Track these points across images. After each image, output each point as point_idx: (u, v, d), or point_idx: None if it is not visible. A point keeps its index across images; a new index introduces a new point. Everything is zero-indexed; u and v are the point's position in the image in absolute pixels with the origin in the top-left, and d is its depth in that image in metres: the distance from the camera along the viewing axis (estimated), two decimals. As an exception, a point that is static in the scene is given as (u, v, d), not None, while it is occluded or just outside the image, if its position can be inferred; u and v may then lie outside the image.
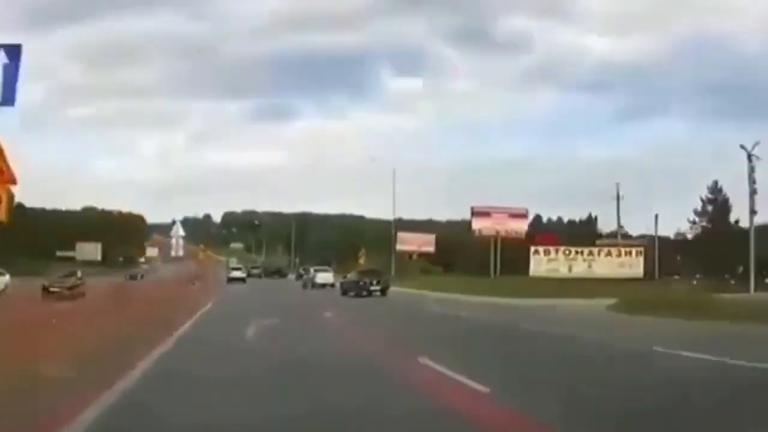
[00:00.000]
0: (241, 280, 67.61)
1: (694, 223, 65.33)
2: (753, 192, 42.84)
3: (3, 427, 6.66)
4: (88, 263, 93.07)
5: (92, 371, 9.54)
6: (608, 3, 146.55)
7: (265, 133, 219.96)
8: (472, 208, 62.75)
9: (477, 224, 62.71)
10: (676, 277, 65.90)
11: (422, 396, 8.41)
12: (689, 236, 69.93)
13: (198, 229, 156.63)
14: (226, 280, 66.01)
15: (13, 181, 13.40)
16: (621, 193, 58.59)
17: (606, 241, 58.57)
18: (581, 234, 75.56)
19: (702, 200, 64.88)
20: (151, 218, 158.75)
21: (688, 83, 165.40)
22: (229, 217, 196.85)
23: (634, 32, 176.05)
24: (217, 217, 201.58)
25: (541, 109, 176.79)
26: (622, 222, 73.73)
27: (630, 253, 53.37)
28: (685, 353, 12.32)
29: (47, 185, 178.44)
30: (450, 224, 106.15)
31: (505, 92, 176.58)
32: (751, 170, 42.75)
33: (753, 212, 43.42)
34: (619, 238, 57.68)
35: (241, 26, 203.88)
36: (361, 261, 66.49)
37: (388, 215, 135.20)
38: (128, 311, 18.93)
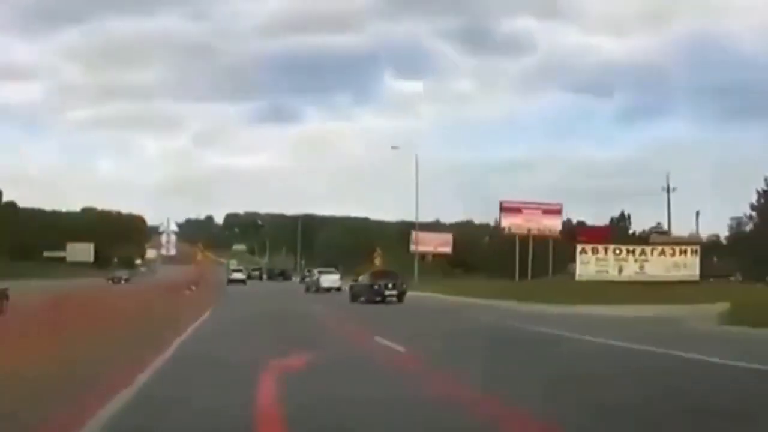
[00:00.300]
0: (242, 281, 66.62)
1: (750, 217, 58.46)
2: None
3: None
4: (79, 264, 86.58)
5: None
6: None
7: (267, 135, 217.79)
8: (501, 204, 55.22)
9: (506, 221, 55.14)
10: (732, 278, 59.13)
11: None
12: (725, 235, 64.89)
13: (200, 230, 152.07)
14: (227, 282, 64.32)
15: None
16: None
17: (660, 238, 50.94)
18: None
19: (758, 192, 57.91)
20: (152, 220, 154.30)
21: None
22: (231, 219, 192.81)
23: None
24: (219, 219, 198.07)
25: (542, 108, 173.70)
26: (658, 220, 67.04)
27: (685, 252, 45.76)
28: None
29: (46, 186, 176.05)
30: (457, 225, 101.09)
31: (507, 92, 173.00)
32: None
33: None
34: (668, 235, 50.49)
35: (242, 27, 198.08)
36: (377, 262, 59.03)
37: (392, 217, 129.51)
38: (53, 346, 11.36)
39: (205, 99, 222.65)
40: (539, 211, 55.30)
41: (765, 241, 59.48)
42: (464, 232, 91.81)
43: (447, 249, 71.48)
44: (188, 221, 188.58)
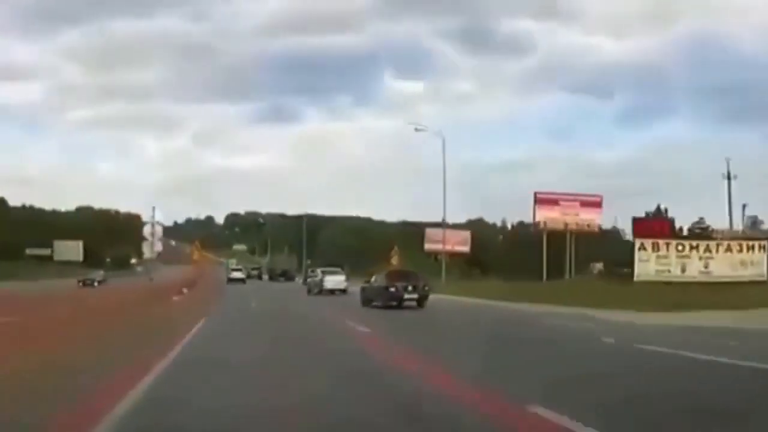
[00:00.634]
0: (241, 280, 65.98)
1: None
2: None
3: None
4: (68, 264, 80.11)
5: None
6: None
7: (268, 135, 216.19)
8: (536, 195, 48.29)
9: (541, 215, 48.12)
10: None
11: None
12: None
13: (200, 230, 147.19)
14: (227, 281, 63.48)
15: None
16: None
17: (728, 232, 43.82)
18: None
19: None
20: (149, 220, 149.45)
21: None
22: (232, 219, 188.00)
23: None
24: (219, 219, 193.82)
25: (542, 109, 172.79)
26: (699, 215, 61.01)
27: (752, 248, 38.85)
28: None
29: (46, 186, 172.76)
30: (466, 225, 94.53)
31: (508, 92, 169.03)
32: None
33: None
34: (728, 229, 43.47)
35: (243, 28, 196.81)
36: (393, 261, 51.94)
37: (393, 217, 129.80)
38: None
39: (206, 99, 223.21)
40: (577, 203, 48.48)
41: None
42: (475, 231, 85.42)
43: (465, 248, 64.61)
44: (188, 221, 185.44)
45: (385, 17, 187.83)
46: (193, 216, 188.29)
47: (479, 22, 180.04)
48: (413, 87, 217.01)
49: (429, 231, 63.89)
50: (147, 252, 36.54)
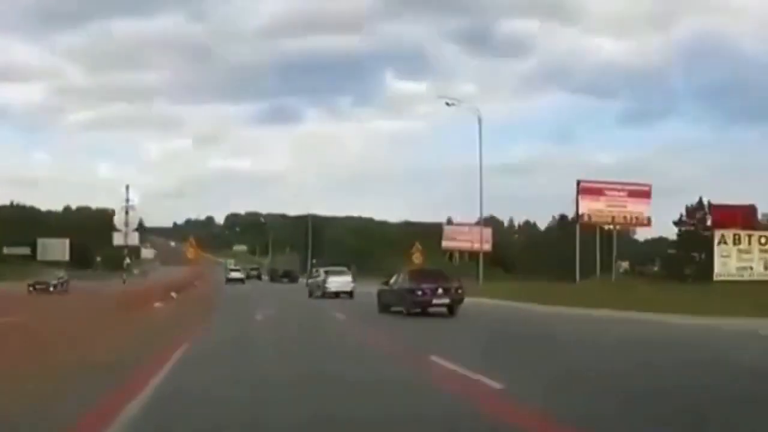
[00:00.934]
0: (240, 281, 65.11)
1: None
2: None
3: None
4: (54, 263, 73.69)
5: None
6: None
7: (269, 136, 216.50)
8: (579, 184, 41.52)
9: (585, 206, 41.34)
10: None
11: None
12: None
13: (200, 230, 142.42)
14: (225, 281, 62.54)
15: None
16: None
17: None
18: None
19: None
20: (151, 222, 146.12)
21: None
22: (232, 219, 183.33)
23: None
24: (220, 220, 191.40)
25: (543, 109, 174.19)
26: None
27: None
28: None
29: (46, 186, 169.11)
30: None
31: (509, 93, 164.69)
32: None
33: None
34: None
35: (244, 28, 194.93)
36: (415, 259, 45.24)
37: (395, 218, 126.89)
38: None
39: (207, 100, 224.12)
40: (624, 193, 41.76)
41: None
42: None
43: (486, 246, 57.95)
44: (188, 221, 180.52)
45: (387, 18, 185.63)
46: (193, 217, 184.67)
47: (481, 23, 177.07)
48: (415, 87, 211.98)
49: (447, 228, 57.60)
50: (118, 242, 28.89)
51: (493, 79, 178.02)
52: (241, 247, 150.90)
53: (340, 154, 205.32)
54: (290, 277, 70.89)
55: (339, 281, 35.76)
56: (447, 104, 40.71)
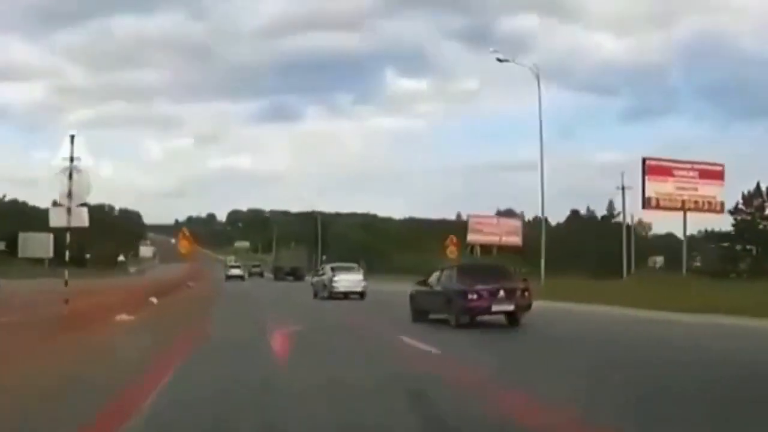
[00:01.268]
0: (240, 278, 62.91)
1: None
2: None
3: None
4: (38, 261, 67.43)
5: None
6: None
7: (270, 133, 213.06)
8: (644, 162, 34.95)
9: (652, 188, 34.70)
10: None
11: None
12: None
13: (201, 228, 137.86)
14: (225, 278, 59.56)
15: None
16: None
17: None
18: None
19: None
20: (152, 219, 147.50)
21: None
22: (234, 216, 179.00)
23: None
24: (222, 217, 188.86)
25: (544, 108, 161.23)
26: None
27: None
28: None
29: (44, 186, 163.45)
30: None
31: (510, 91, 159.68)
32: None
33: None
34: None
35: (245, 27, 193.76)
36: (451, 254, 38.53)
37: (399, 214, 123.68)
38: None
39: (207, 98, 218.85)
40: (696, 174, 35.27)
41: None
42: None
43: (516, 239, 51.57)
44: (190, 219, 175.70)
45: (387, 15, 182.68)
46: (195, 214, 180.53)
47: (483, 20, 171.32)
48: (416, 84, 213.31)
49: (473, 219, 51.00)
50: (56, 222, 16.35)
51: (494, 76, 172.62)
52: (243, 244, 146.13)
53: (340, 151, 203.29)
54: (296, 275, 64.25)
55: (348, 280, 30.09)
56: (498, 60, 33.98)
